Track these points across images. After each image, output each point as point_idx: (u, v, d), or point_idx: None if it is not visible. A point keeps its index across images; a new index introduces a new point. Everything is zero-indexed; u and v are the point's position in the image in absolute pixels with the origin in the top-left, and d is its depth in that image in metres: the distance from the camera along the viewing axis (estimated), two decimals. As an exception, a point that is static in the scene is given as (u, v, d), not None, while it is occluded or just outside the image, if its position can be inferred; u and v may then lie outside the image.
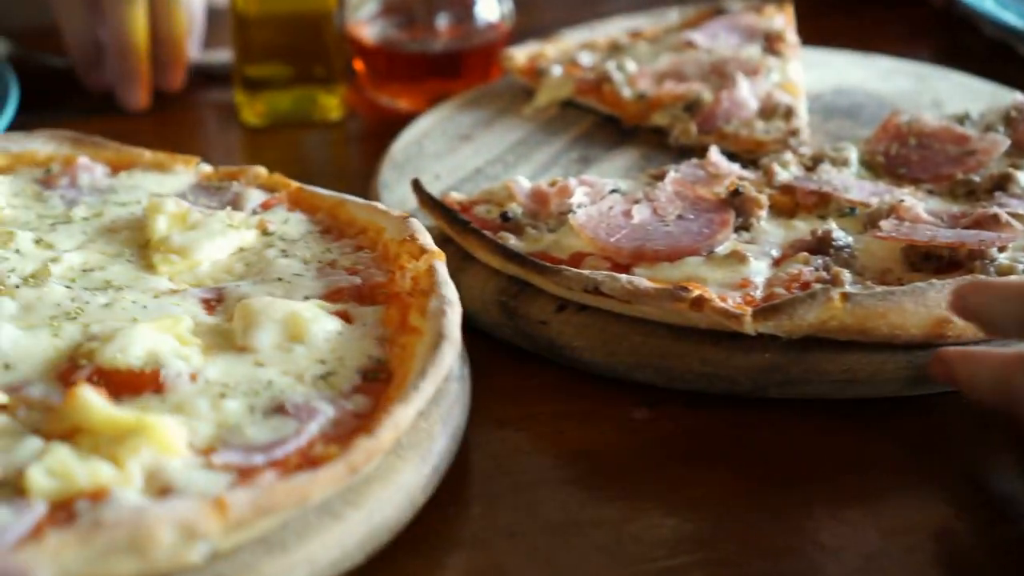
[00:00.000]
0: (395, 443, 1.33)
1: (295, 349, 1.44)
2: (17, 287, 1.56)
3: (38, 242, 1.66)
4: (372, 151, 2.16)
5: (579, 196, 1.77)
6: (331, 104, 2.28)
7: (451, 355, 1.40)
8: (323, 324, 1.48)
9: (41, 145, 1.87)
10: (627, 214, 1.72)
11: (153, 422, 1.27)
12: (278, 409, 1.35)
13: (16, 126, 2.11)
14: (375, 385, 1.39)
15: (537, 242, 1.72)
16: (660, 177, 1.83)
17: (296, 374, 1.41)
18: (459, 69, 2.33)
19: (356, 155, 2.29)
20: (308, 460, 1.28)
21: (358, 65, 2.36)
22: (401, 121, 2.21)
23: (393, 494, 1.31)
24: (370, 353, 1.45)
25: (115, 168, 1.86)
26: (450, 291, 1.50)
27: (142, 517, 1.14)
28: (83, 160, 1.83)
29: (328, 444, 1.30)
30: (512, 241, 1.72)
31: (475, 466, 1.48)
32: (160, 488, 1.23)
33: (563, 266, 1.63)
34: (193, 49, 2.38)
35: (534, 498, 1.42)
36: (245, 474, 1.25)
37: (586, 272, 1.60)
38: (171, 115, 2.32)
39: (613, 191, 1.79)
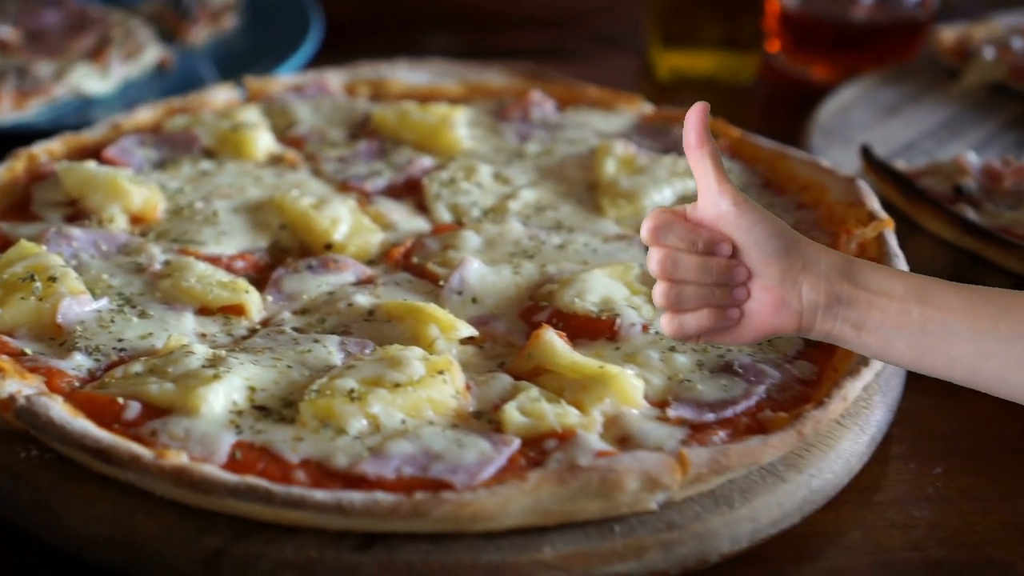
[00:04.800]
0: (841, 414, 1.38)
1: (741, 308, 1.49)
2: (479, 221, 1.68)
3: (496, 176, 1.78)
4: (781, 117, 2.17)
5: (1042, 176, 1.75)
6: (746, 68, 2.28)
7: (899, 331, 1.41)
8: (767, 283, 1.52)
9: (496, 76, 1.98)
10: (1098, 201, 1.69)
11: (616, 372, 1.35)
12: (725, 368, 1.41)
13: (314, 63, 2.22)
14: (819, 352, 1.43)
15: (996, 218, 1.71)
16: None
17: (742, 334, 1.46)
18: (883, 44, 2.29)
19: (766, 120, 2.27)
20: (757, 423, 1.34)
21: (771, 31, 2.34)
22: (809, 90, 2.21)
23: (832, 460, 1.36)
24: (814, 318, 1.48)
25: (562, 103, 1.95)
26: (900, 263, 1.51)
27: (613, 465, 1.24)
28: (536, 94, 1.93)
29: (776, 410, 1.35)
30: (970, 214, 1.71)
31: (936, 428, 1.50)
32: (618, 436, 1.32)
33: None
34: None
35: (996, 463, 1.45)
36: (697, 430, 1.33)
37: None
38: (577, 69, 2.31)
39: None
